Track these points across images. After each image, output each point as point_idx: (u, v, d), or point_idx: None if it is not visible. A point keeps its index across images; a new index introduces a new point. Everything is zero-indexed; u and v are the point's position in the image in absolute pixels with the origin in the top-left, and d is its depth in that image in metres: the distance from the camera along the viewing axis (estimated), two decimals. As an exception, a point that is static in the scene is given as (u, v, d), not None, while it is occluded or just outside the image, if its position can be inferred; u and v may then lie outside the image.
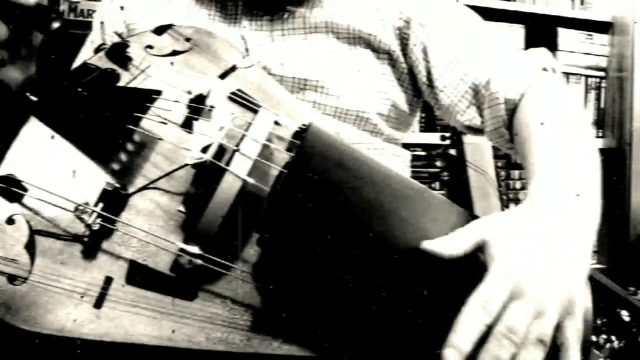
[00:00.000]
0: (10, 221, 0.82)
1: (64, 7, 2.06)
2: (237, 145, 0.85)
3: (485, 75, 1.11)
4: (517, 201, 2.59)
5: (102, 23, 1.24)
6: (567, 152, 0.92)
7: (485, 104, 1.11)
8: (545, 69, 1.08)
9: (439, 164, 2.55)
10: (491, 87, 1.09)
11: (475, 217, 0.86)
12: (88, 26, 1.34)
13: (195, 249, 0.80)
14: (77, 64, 1.22)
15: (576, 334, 0.76)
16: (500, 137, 1.10)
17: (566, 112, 1.01)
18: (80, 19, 2.08)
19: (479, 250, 0.79)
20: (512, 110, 1.06)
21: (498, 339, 0.73)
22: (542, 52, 1.13)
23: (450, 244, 0.79)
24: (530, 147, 0.96)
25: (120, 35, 1.19)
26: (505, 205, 2.49)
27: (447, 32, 1.18)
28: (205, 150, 0.83)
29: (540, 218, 0.81)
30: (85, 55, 1.25)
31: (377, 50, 1.17)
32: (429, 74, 1.17)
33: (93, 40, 1.25)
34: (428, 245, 0.80)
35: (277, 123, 0.90)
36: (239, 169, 0.82)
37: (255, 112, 0.91)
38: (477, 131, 1.16)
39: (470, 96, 1.13)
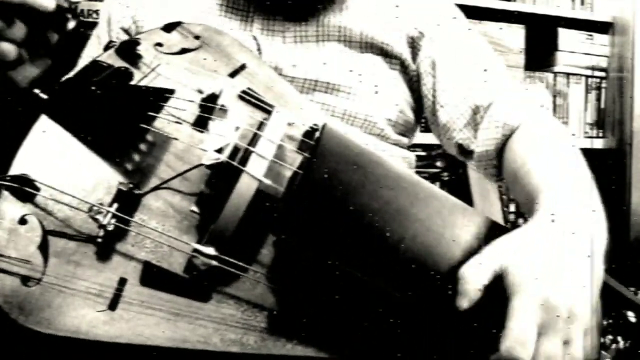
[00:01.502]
0: (23, 221, 0.81)
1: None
2: (251, 145, 0.84)
3: (488, 99, 1.13)
4: (517, 201, 2.59)
5: (109, 18, 1.23)
6: (571, 173, 0.94)
7: (482, 125, 1.12)
8: (542, 106, 1.09)
9: (439, 164, 2.55)
10: (492, 110, 1.12)
11: (487, 219, 0.86)
12: (88, 26, 1.34)
13: (210, 250, 0.80)
14: (83, 59, 1.22)
15: (586, 351, 0.76)
16: (488, 160, 1.12)
17: (565, 143, 1.03)
18: (80, 18, 2.07)
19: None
20: (508, 136, 1.08)
21: None
22: (542, 90, 1.17)
23: (470, 291, 0.77)
24: (531, 168, 0.97)
25: (126, 31, 1.18)
26: (505, 205, 2.49)
27: (456, 51, 1.20)
28: (220, 150, 0.82)
29: (556, 238, 0.80)
30: (91, 50, 1.24)
31: (389, 55, 1.17)
32: (434, 88, 1.18)
33: (99, 34, 1.24)
34: (462, 305, 0.77)
35: (288, 123, 0.90)
36: (255, 169, 0.82)
37: (264, 110, 0.91)
38: (467, 153, 1.18)
39: (469, 115, 1.15)
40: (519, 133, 1.07)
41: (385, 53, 1.17)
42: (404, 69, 1.19)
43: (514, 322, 0.74)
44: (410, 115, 1.22)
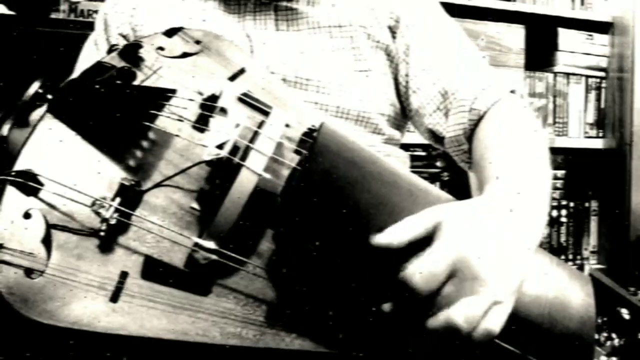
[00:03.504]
0: (27, 215, 0.83)
1: (64, 7, 2.07)
2: (251, 143, 0.86)
3: (457, 84, 1.14)
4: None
5: (105, 24, 1.24)
6: (522, 163, 0.94)
7: (452, 110, 1.13)
8: (513, 92, 1.10)
9: (439, 164, 2.55)
10: (460, 94, 1.12)
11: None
12: (88, 26, 1.34)
13: (210, 244, 0.81)
14: (79, 64, 1.23)
15: (493, 327, 0.77)
16: (458, 145, 1.13)
17: (527, 132, 1.03)
18: (80, 19, 2.08)
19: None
20: (476, 121, 1.09)
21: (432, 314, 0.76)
22: (515, 77, 1.18)
23: (398, 232, 0.80)
24: (487, 155, 0.99)
25: (125, 37, 1.20)
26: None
27: (428, 37, 1.21)
28: (221, 146, 0.84)
29: (493, 211, 0.83)
30: (88, 55, 1.25)
31: (375, 47, 1.18)
32: (407, 74, 1.20)
33: (96, 40, 1.25)
34: (378, 239, 0.79)
35: (286, 125, 0.91)
36: (255, 164, 0.83)
37: (263, 112, 0.92)
38: (438, 138, 1.18)
39: (439, 100, 1.16)
40: (486, 119, 1.08)
41: (372, 43, 1.19)
42: (390, 61, 1.21)
43: (427, 255, 0.76)
44: (400, 107, 1.24)
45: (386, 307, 0.78)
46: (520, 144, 0.99)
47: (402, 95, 1.22)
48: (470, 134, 1.10)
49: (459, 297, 0.75)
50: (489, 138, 1.03)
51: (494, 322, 0.76)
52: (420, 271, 0.75)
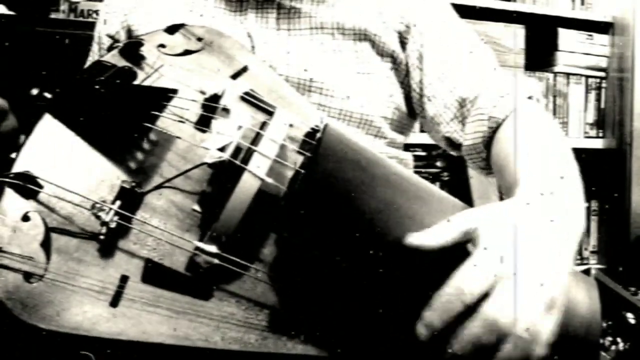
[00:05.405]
0: (26, 218, 0.82)
1: (63, 7, 2.06)
2: (253, 145, 0.85)
3: (474, 91, 1.13)
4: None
5: (99, 37, 1.23)
6: (551, 165, 0.93)
7: (469, 118, 1.12)
8: (530, 97, 1.09)
9: (439, 164, 2.55)
10: (478, 102, 1.11)
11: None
12: (88, 26, 1.34)
13: (212, 248, 0.80)
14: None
15: (549, 331, 0.75)
16: (477, 153, 1.11)
17: (550, 135, 1.02)
18: (80, 19, 2.08)
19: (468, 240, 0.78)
20: (494, 128, 1.08)
21: (483, 320, 0.73)
22: (531, 81, 1.16)
23: (435, 235, 0.78)
24: (512, 159, 0.97)
25: (113, 38, 1.18)
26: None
27: (443, 44, 1.19)
28: (223, 149, 0.83)
29: (529, 213, 0.81)
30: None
31: (381, 52, 1.17)
32: (421, 81, 1.18)
33: (93, 49, 1.25)
34: (412, 240, 0.78)
35: (290, 124, 0.90)
36: (258, 168, 0.82)
37: (266, 112, 0.91)
38: (455, 145, 1.17)
39: (455, 108, 1.14)
40: (505, 126, 1.06)
41: (377, 48, 1.17)
42: (395, 65, 1.19)
43: (468, 264, 0.74)
44: (405, 112, 1.22)
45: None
46: (545, 146, 0.97)
47: (415, 103, 1.21)
48: (488, 141, 1.09)
49: (510, 304, 0.73)
50: (510, 144, 1.02)
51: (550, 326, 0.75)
52: (472, 276, 0.73)
